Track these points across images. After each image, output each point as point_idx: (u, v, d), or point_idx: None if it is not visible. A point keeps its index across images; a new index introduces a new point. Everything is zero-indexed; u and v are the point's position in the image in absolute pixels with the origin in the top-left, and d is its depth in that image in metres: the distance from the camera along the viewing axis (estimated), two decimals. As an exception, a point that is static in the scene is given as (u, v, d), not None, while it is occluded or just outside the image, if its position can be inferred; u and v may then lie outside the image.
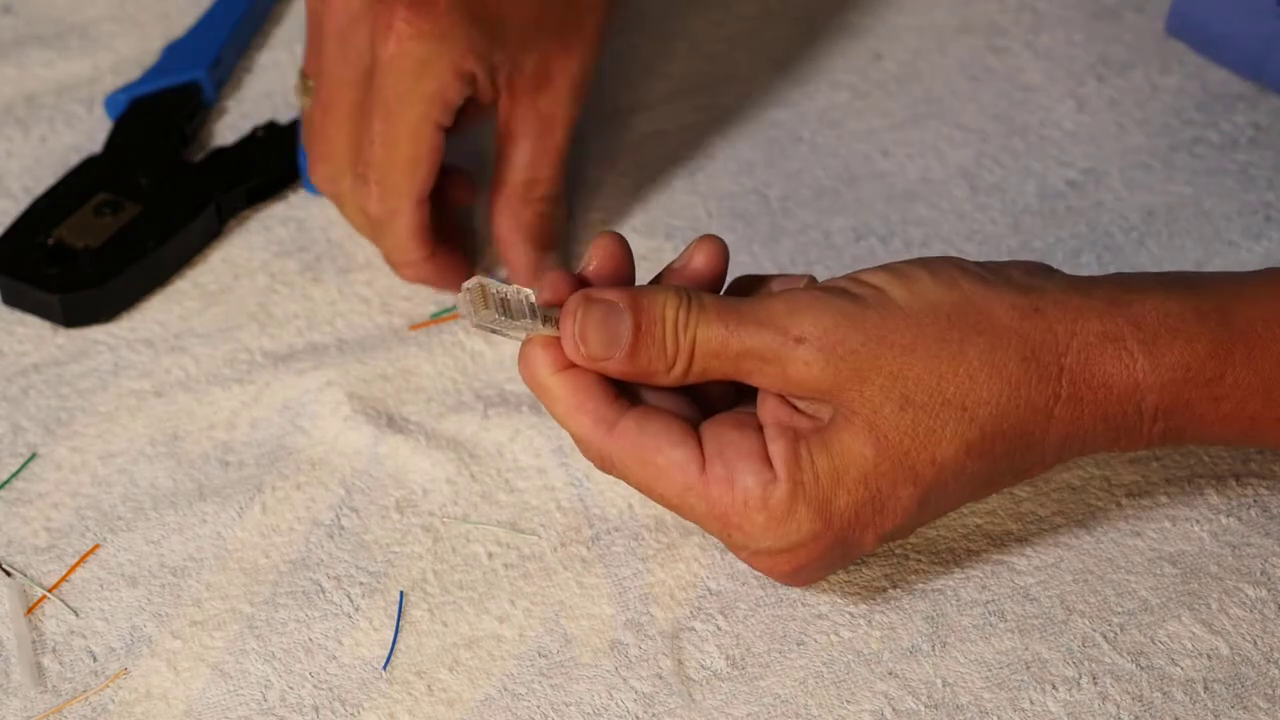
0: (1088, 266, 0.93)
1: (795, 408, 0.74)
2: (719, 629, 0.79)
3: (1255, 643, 0.78)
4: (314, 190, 0.97)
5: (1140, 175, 0.98)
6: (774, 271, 0.87)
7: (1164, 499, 0.83)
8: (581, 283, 0.75)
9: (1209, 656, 0.77)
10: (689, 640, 0.79)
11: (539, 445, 0.85)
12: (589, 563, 0.81)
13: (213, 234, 0.95)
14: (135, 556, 0.82)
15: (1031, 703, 0.76)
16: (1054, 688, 0.77)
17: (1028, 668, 0.77)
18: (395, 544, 0.82)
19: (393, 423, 0.87)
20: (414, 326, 0.90)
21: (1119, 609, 0.79)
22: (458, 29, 0.85)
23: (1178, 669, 0.77)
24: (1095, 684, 0.77)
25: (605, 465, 0.75)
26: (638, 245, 0.93)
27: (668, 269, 0.78)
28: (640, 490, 0.75)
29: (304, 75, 0.91)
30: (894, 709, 0.76)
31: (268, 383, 0.89)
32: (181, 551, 0.82)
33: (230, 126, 1.01)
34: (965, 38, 1.05)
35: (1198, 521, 0.82)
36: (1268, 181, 0.97)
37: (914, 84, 1.03)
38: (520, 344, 0.75)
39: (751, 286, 0.77)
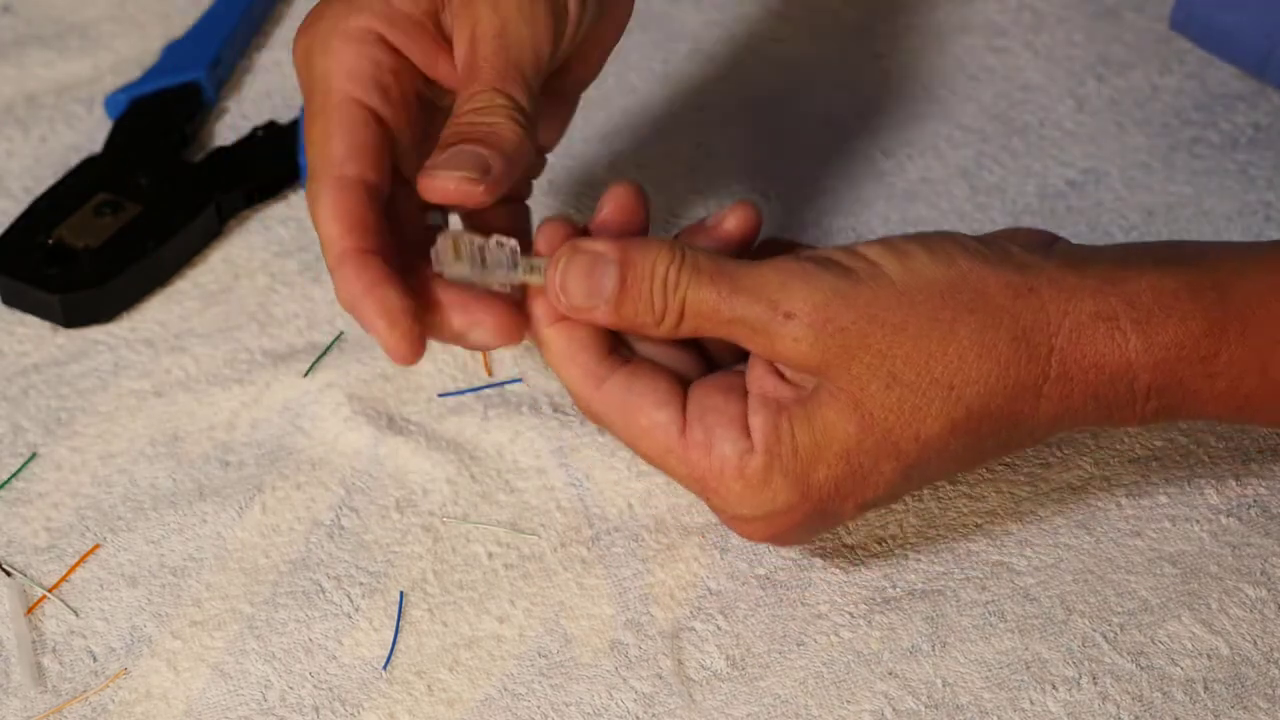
0: (1088, 266, 0.93)
1: (782, 376, 0.75)
2: (719, 629, 0.79)
3: (1255, 643, 0.78)
4: (314, 190, 0.97)
5: (1140, 175, 0.98)
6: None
7: (1164, 499, 0.83)
8: (584, 234, 0.75)
9: (1209, 656, 0.77)
10: (689, 640, 0.79)
11: (539, 445, 0.85)
12: (589, 563, 0.81)
13: (213, 234, 0.95)
14: (135, 556, 0.82)
15: (1031, 703, 0.76)
16: (1054, 688, 0.77)
17: (1028, 668, 0.77)
18: (395, 544, 0.82)
19: (393, 423, 0.87)
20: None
21: (1119, 609, 0.79)
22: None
23: (1178, 669, 0.77)
24: (1095, 684, 0.77)
25: (594, 419, 0.76)
26: (638, 245, 0.93)
27: (699, 225, 0.78)
28: (629, 448, 0.76)
29: None
30: (894, 709, 0.76)
31: (268, 383, 0.89)
32: (181, 551, 0.82)
33: (230, 126, 1.01)
34: (965, 37, 1.05)
35: (1198, 521, 0.82)
36: (1268, 181, 0.97)
37: (914, 84, 1.03)
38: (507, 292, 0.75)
39: (774, 252, 0.77)
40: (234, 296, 0.93)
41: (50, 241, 0.93)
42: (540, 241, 0.75)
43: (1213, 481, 0.83)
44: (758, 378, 0.75)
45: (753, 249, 0.79)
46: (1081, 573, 0.80)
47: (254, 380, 0.89)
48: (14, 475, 0.85)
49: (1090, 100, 1.01)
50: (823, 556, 0.81)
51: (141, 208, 0.94)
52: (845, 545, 0.81)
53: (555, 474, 0.84)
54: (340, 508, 0.84)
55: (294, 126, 0.99)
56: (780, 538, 0.76)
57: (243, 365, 0.89)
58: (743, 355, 0.77)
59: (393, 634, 0.79)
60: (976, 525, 0.82)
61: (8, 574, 0.82)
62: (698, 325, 0.74)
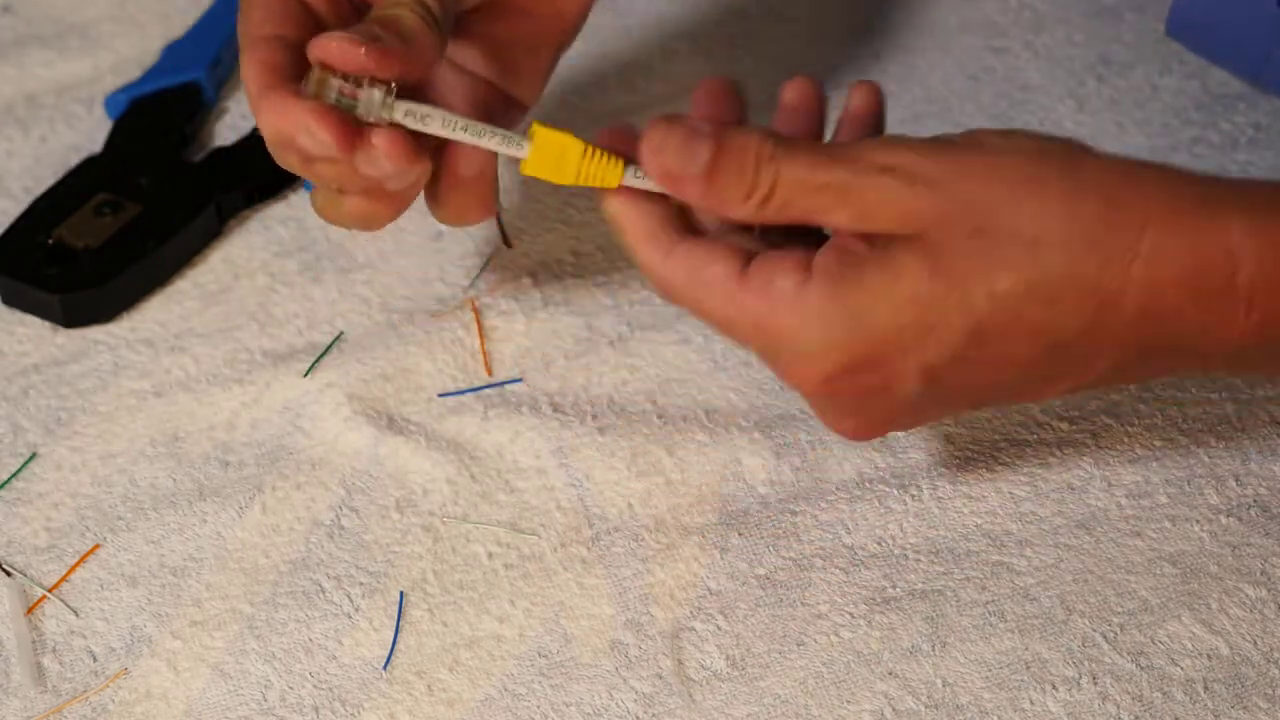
0: (1088, 266, 0.93)
1: (860, 238, 0.72)
2: (719, 629, 0.79)
3: (1255, 643, 0.78)
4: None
5: (1140, 175, 0.98)
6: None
7: (1164, 499, 0.83)
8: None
9: (1209, 656, 0.77)
10: (689, 640, 0.79)
11: (539, 445, 0.85)
12: (589, 563, 0.81)
13: (213, 234, 0.95)
14: (135, 556, 0.82)
15: (1031, 703, 0.76)
16: (1054, 688, 0.77)
17: (1028, 668, 0.77)
18: (395, 544, 0.82)
19: (393, 423, 0.87)
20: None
21: (1119, 609, 0.79)
22: None
23: (1178, 669, 0.77)
24: (1095, 684, 0.77)
25: (660, 286, 0.74)
26: (638, 245, 0.93)
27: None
28: (698, 315, 0.74)
29: None
30: (894, 709, 0.76)
31: (268, 383, 0.89)
32: (181, 551, 0.82)
33: (230, 126, 1.01)
34: (965, 37, 1.05)
35: (1198, 521, 0.82)
36: (1268, 181, 0.97)
37: (914, 84, 1.03)
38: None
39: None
40: (234, 296, 0.93)
41: (50, 241, 0.93)
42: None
43: (1213, 481, 0.83)
44: (831, 243, 0.73)
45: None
46: (1081, 573, 0.80)
47: (254, 380, 0.89)
48: (14, 475, 0.85)
49: (1090, 100, 1.01)
50: (823, 556, 0.81)
51: (141, 208, 0.94)
52: (845, 545, 0.81)
53: (555, 474, 0.84)
54: (340, 508, 0.84)
55: (294, 126, 0.99)
56: (834, 387, 0.71)
57: (243, 365, 0.89)
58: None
59: (393, 634, 0.79)
60: (976, 525, 0.82)
61: (8, 574, 0.81)
62: (787, 200, 0.71)
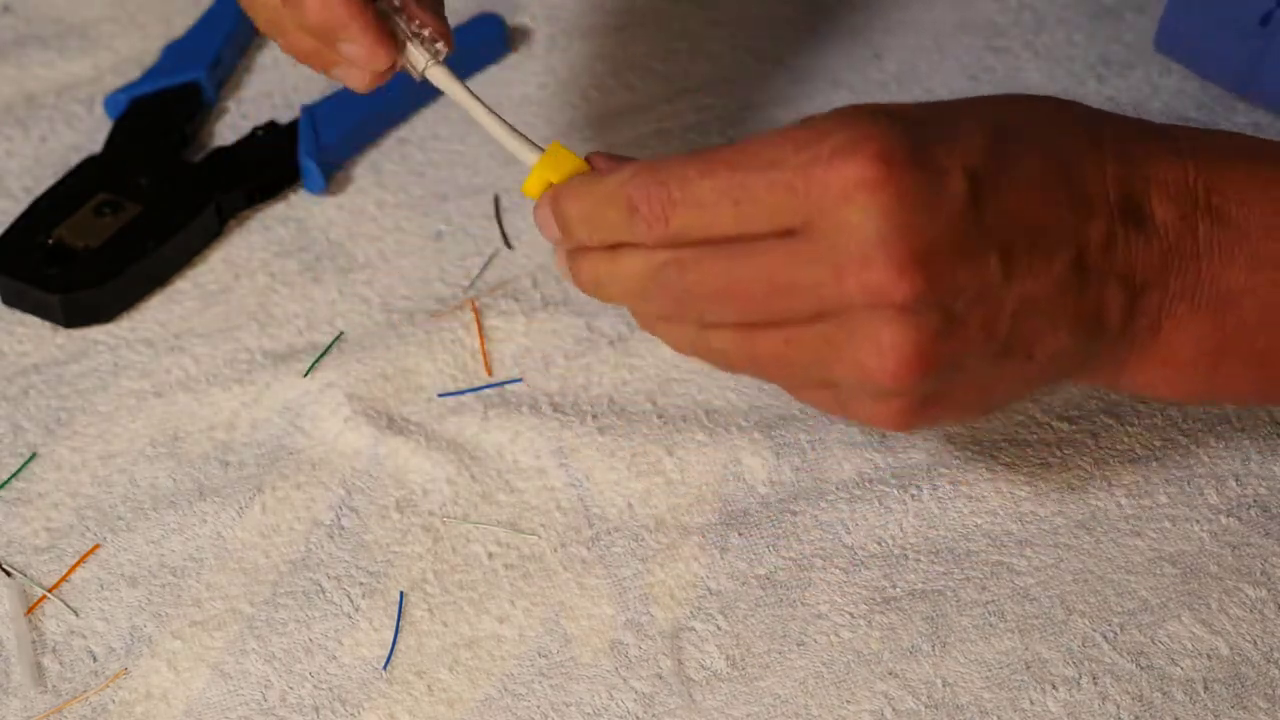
0: (1088, 266, 0.93)
1: None
2: (719, 629, 0.79)
3: (1255, 643, 0.78)
4: (314, 190, 0.97)
5: (1140, 175, 0.98)
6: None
7: (1164, 499, 0.83)
8: None
9: (1209, 656, 0.77)
10: (689, 640, 0.79)
11: (539, 445, 0.85)
12: (589, 563, 0.81)
13: (213, 234, 0.95)
14: (135, 556, 0.82)
15: (1031, 703, 0.76)
16: (1054, 688, 0.77)
17: (1028, 668, 0.77)
18: (395, 544, 0.82)
19: (393, 423, 0.87)
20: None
21: (1119, 609, 0.79)
22: None
23: (1178, 669, 0.77)
24: (1095, 684, 0.77)
25: (701, 227, 0.71)
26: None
27: None
28: (730, 173, 0.70)
29: None
30: (894, 709, 0.76)
31: (268, 383, 0.89)
32: (181, 551, 0.82)
33: (230, 126, 1.01)
34: (965, 37, 1.05)
35: (1198, 521, 0.82)
36: (1268, 181, 0.97)
37: (914, 84, 1.03)
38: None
39: None
40: (234, 296, 0.93)
41: (50, 241, 0.93)
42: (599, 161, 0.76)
43: (1213, 481, 0.83)
44: None
45: None
46: (1081, 573, 0.80)
47: (254, 380, 0.89)
48: (14, 475, 0.85)
49: (1090, 100, 1.01)
50: (823, 556, 0.81)
51: (141, 208, 0.94)
52: (845, 545, 0.81)
53: (555, 474, 0.84)
54: (340, 508, 0.84)
55: (294, 126, 0.99)
56: (889, 190, 0.68)
57: (243, 365, 0.89)
58: None
59: (393, 634, 0.79)
60: (976, 525, 0.82)
61: (8, 574, 0.82)
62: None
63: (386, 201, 0.97)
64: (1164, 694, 0.76)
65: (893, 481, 0.83)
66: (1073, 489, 0.83)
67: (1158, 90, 1.02)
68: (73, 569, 0.82)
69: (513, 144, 0.77)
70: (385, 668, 0.78)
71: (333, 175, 0.98)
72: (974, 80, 1.03)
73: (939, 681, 0.77)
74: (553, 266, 0.93)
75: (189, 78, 1.01)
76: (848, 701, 0.76)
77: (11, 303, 0.92)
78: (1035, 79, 1.03)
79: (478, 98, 0.80)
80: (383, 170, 0.99)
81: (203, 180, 0.96)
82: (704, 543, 0.82)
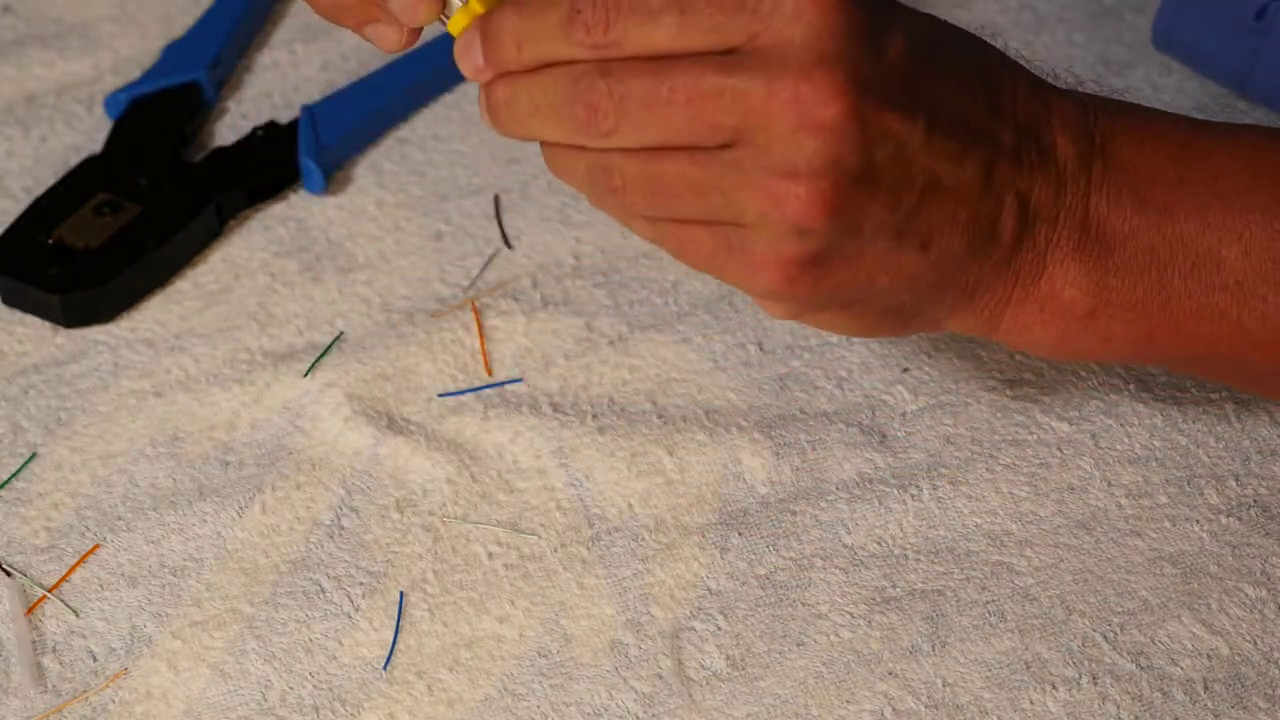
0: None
1: None
2: (719, 629, 0.79)
3: (1255, 643, 0.78)
4: (314, 190, 0.97)
5: (1140, 175, 0.98)
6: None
7: (1164, 499, 0.83)
8: None
9: (1209, 656, 0.77)
10: (689, 640, 0.79)
11: (539, 445, 0.85)
12: (589, 563, 0.81)
13: (213, 234, 0.95)
14: (135, 556, 0.82)
15: (1031, 703, 0.76)
16: (1054, 688, 0.77)
17: (1028, 668, 0.77)
18: (395, 544, 0.82)
19: (393, 423, 0.87)
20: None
21: (1119, 609, 0.79)
22: None
23: (1178, 669, 0.77)
24: (1095, 684, 0.77)
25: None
26: (640, 244, 0.93)
27: None
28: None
29: None
30: (894, 709, 0.76)
31: (268, 383, 0.89)
32: (181, 551, 0.82)
33: (230, 126, 1.01)
34: (965, 38, 1.05)
35: (1198, 521, 0.82)
36: (1268, 181, 0.97)
37: (914, 84, 1.03)
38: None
39: None
40: (234, 296, 0.93)
41: (50, 241, 0.93)
42: None
43: (1213, 481, 0.83)
44: None
45: None
46: (1081, 573, 0.80)
47: (254, 380, 0.89)
48: (14, 475, 0.85)
49: (1090, 100, 1.01)
50: (823, 556, 0.81)
51: (141, 208, 0.94)
52: (845, 545, 0.81)
53: (555, 474, 0.84)
54: (340, 508, 0.84)
55: (294, 126, 0.99)
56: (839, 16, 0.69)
57: (243, 365, 0.89)
58: None
59: (393, 634, 0.79)
60: (976, 525, 0.82)
61: (8, 574, 0.82)
62: None
63: (386, 201, 0.97)
64: (1164, 694, 0.76)
65: (893, 481, 0.83)
66: (1073, 489, 0.83)
67: (1158, 90, 1.02)
68: (73, 569, 0.82)
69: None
70: (385, 668, 0.78)
71: (333, 175, 0.98)
72: (974, 80, 1.03)
73: (939, 681, 0.77)
74: (553, 266, 0.93)
75: (189, 78, 1.01)
76: (848, 701, 0.76)
77: (11, 303, 0.92)
78: (1035, 79, 1.03)
79: None
80: (383, 170, 0.99)
81: (203, 180, 0.96)
82: (704, 543, 0.82)
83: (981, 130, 0.72)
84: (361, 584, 0.81)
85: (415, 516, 0.83)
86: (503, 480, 0.84)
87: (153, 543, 0.83)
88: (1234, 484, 0.83)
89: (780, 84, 0.68)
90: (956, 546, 0.81)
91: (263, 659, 0.78)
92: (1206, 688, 0.76)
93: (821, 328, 0.75)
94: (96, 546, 0.83)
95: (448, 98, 1.02)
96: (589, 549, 0.82)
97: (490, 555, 0.82)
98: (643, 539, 0.82)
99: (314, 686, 0.78)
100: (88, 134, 1.01)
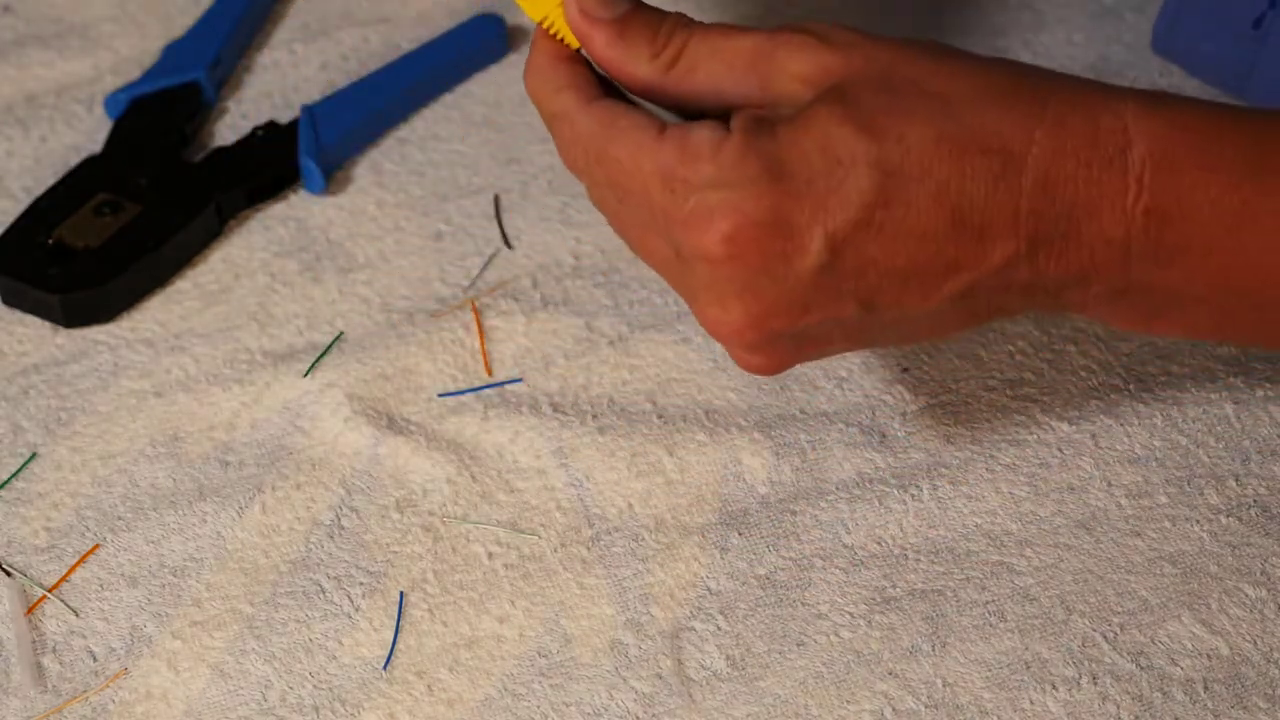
0: (1088, 266, 0.93)
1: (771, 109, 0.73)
2: (719, 629, 0.79)
3: (1255, 643, 0.78)
4: (314, 190, 0.97)
5: (1140, 175, 0.98)
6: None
7: (1164, 499, 0.83)
8: None
9: (1209, 656, 0.77)
10: (689, 640, 0.79)
11: (539, 445, 0.85)
12: (589, 563, 0.81)
13: (213, 234, 0.95)
14: (135, 556, 0.82)
15: (1031, 703, 0.76)
16: (1054, 688, 0.77)
17: (1028, 668, 0.77)
18: (395, 544, 0.82)
19: (393, 423, 0.87)
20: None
21: (1119, 609, 0.79)
22: None
23: (1178, 669, 0.77)
24: (1095, 684, 0.77)
25: (574, 138, 0.74)
26: (638, 245, 0.93)
27: None
28: (601, 170, 0.73)
29: None
30: (894, 709, 0.76)
31: (268, 383, 0.89)
32: (181, 551, 0.82)
33: (230, 126, 1.01)
34: (965, 38, 1.05)
35: (1198, 521, 0.82)
36: (1268, 181, 0.97)
37: (914, 84, 1.03)
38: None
39: None
40: (234, 296, 0.93)
41: (50, 241, 0.93)
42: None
43: (1213, 481, 0.83)
44: (746, 110, 0.73)
45: None
46: (1081, 573, 0.80)
47: (254, 380, 0.89)
48: (14, 475, 0.85)
49: (1090, 100, 1.01)
50: (823, 556, 0.81)
51: (141, 208, 0.94)
52: (845, 545, 0.81)
53: (555, 474, 0.84)
54: (340, 508, 0.84)
55: (294, 126, 0.99)
56: (734, 264, 0.71)
57: (243, 365, 0.89)
58: None
59: (393, 634, 0.79)
60: (976, 525, 0.82)
61: (8, 574, 0.82)
62: (694, 63, 0.72)
63: (386, 201, 0.97)
64: (1164, 694, 0.76)
65: (893, 481, 0.83)
66: (1073, 489, 0.83)
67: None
68: (73, 569, 0.82)
69: None
70: (385, 668, 0.78)
71: (333, 175, 0.98)
72: (974, 80, 1.03)
73: (939, 681, 0.77)
74: (553, 266, 0.93)
75: (189, 78, 1.01)
76: (848, 701, 0.76)
77: (11, 303, 0.92)
78: (1035, 79, 1.03)
79: None
80: (383, 170, 0.99)
81: (203, 180, 0.96)
82: (704, 543, 0.82)
83: (953, 263, 0.71)
84: (361, 584, 0.81)
85: (415, 516, 0.83)
86: (503, 480, 0.84)
87: (153, 543, 0.83)
88: (1234, 484, 0.83)
89: (696, 305, 0.73)
90: (956, 546, 0.81)
91: (263, 659, 0.78)
92: (1206, 688, 0.76)
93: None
94: (96, 546, 0.83)
95: (448, 98, 1.02)
96: (589, 549, 0.82)
97: (490, 555, 0.82)
98: (643, 539, 0.82)
99: (314, 686, 0.78)
100: (88, 134, 1.01)
